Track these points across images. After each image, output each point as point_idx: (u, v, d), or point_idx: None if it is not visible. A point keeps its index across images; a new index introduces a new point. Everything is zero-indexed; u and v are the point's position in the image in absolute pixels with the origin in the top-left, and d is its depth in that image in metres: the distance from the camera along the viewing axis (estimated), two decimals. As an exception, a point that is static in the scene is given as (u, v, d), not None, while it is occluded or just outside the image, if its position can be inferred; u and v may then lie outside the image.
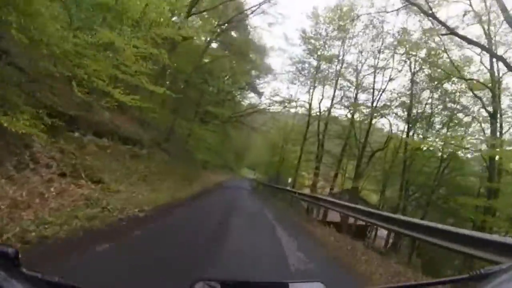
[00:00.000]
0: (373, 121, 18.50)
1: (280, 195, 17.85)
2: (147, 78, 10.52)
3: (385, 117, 18.45)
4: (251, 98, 32.31)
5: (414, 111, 19.16)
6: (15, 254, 0.55)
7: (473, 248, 3.34)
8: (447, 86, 18.25)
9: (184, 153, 19.01)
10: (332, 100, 19.78)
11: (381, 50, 18.75)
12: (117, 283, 2.38)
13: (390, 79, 19.61)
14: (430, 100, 18.10)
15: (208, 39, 17.77)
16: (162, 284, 2.58)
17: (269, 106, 23.77)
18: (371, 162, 18.31)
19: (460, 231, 3.74)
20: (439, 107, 18.32)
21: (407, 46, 16.61)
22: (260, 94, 30.11)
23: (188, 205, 7.83)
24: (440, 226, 4.14)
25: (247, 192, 17.94)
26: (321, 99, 21.02)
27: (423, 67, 17.92)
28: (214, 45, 23.12)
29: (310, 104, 20.98)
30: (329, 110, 19.81)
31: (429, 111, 18.27)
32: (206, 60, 23.62)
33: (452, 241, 3.64)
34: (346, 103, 20.03)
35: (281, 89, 74.69)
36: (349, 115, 20.26)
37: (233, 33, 23.58)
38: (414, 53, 16.80)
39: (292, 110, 24.57)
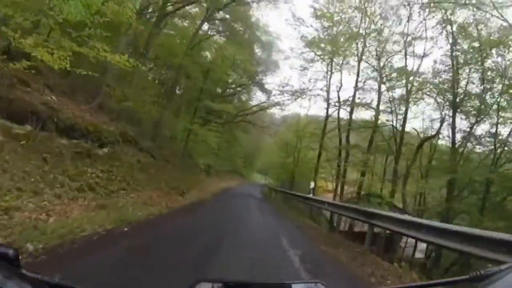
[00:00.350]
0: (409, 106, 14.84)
1: (295, 202, 14.34)
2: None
3: (430, 97, 14.80)
4: (259, 97, 29.09)
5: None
6: (15, 256, 0.54)
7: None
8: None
9: (180, 156, 15.90)
10: (356, 82, 16.30)
11: (412, 15, 15.28)
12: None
13: (425, 55, 16.04)
14: (481, 74, 14.39)
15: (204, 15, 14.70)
16: None
17: (279, 96, 20.28)
18: (417, 154, 14.49)
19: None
20: (491, 82, 14.56)
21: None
22: (268, 92, 26.79)
23: (141, 236, 4.36)
24: None
25: (256, 202, 14.37)
26: (340, 87, 17.61)
27: (467, 31, 14.36)
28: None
29: (328, 92, 17.54)
30: (353, 95, 16.30)
31: (480, 88, 14.52)
32: (208, 55, 20.91)
33: None
34: (372, 82, 16.48)
35: (292, 76, 71.12)
36: (375, 102, 16.69)
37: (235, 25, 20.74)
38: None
39: (306, 104, 21.29)
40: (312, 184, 11.46)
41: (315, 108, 32.56)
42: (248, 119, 24.47)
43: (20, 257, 0.55)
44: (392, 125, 14.88)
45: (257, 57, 24.70)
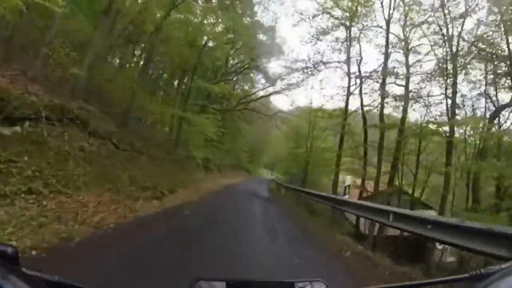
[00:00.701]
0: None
1: (309, 200, 11.24)
2: None
3: (480, 62, 11.58)
4: (263, 86, 25.92)
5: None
6: (15, 253, 0.53)
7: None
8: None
9: (167, 147, 13.13)
10: (387, 45, 13.07)
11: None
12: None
13: (467, 13, 12.78)
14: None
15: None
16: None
17: (288, 76, 17.15)
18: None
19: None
20: None
21: None
22: (273, 81, 23.64)
23: None
24: None
25: (263, 206, 10.63)
26: (360, 60, 14.49)
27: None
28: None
29: (348, 64, 14.35)
30: (384, 62, 13.08)
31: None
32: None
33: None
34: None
35: (302, 51, 66.14)
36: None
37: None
38: None
39: (317, 87, 18.11)
40: (347, 180, 7.67)
41: (329, 89, 28.68)
42: (251, 107, 21.53)
43: (19, 255, 0.53)
44: (445, 95, 11.58)
45: (259, 40, 21.84)
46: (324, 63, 15.10)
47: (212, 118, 16.89)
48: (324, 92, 26.31)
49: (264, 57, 22.32)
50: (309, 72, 15.86)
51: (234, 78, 23.68)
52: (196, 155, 17.21)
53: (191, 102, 16.56)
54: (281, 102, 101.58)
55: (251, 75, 24.77)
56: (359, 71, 14.30)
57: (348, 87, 14.19)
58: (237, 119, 26.21)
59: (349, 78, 14.19)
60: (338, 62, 14.81)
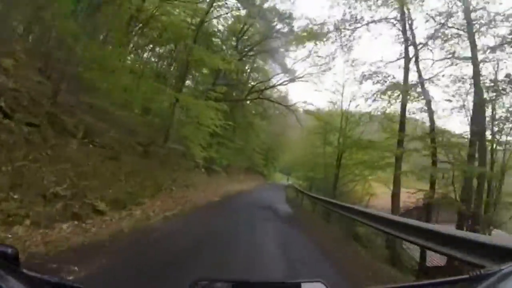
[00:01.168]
0: None
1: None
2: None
3: None
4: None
5: None
6: (15, 254, 0.52)
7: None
8: None
9: (156, 140, 9.51)
10: None
11: None
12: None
13: None
14: None
15: None
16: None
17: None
18: None
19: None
20: None
21: None
22: (291, 73, 19.68)
23: None
24: None
25: (281, 237, 5.49)
26: (411, 22, 10.29)
27: None
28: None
29: (403, 21, 10.02)
30: None
31: None
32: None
33: None
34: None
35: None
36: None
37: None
38: None
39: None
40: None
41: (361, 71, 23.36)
42: (267, 96, 17.71)
43: (19, 256, 0.51)
44: None
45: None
46: (367, 23, 10.76)
47: (214, 104, 13.17)
48: (357, 73, 21.67)
49: (279, 41, 18.65)
50: (344, 36, 11.50)
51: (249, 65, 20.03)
52: (195, 152, 13.53)
53: (189, 85, 13.03)
54: (300, 97, 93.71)
55: (265, 67, 21.10)
56: (413, 35, 10.06)
57: (406, 50, 9.81)
58: (250, 115, 22.49)
59: (406, 40, 9.90)
60: (386, 19, 10.48)
